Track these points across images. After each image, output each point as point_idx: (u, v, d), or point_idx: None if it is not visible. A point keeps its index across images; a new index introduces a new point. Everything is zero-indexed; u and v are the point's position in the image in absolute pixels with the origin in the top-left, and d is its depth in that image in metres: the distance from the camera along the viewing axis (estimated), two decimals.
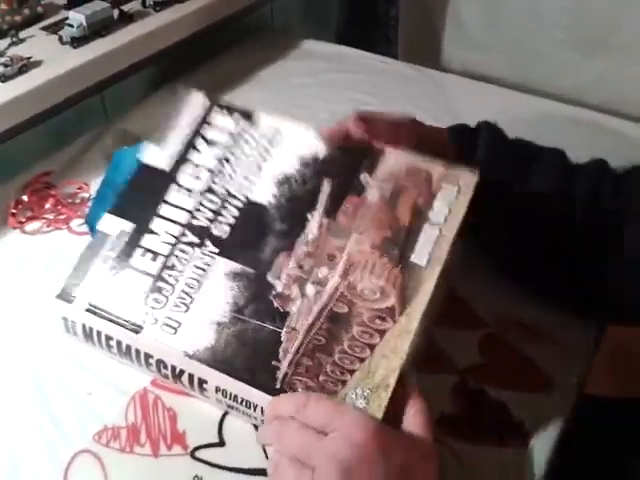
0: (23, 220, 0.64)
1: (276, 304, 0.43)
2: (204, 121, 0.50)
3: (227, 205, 0.47)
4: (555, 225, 0.50)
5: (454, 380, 0.49)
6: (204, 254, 0.45)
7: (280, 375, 0.41)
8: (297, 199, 0.46)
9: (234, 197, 0.47)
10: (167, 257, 0.45)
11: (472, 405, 0.48)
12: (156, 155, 0.50)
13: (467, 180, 0.45)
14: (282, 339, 0.42)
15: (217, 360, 0.42)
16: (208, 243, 0.45)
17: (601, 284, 0.50)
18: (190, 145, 0.49)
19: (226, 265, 0.44)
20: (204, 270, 0.45)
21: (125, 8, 0.79)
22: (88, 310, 0.45)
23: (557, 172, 0.52)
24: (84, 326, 0.45)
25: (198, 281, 0.44)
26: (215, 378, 0.42)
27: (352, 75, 0.91)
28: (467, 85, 0.91)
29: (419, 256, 0.43)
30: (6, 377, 0.51)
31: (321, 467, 0.35)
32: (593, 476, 0.52)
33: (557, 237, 0.50)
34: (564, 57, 1.07)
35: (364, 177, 0.46)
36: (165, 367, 0.44)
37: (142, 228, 0.47)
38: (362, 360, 0.41)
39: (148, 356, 0.44)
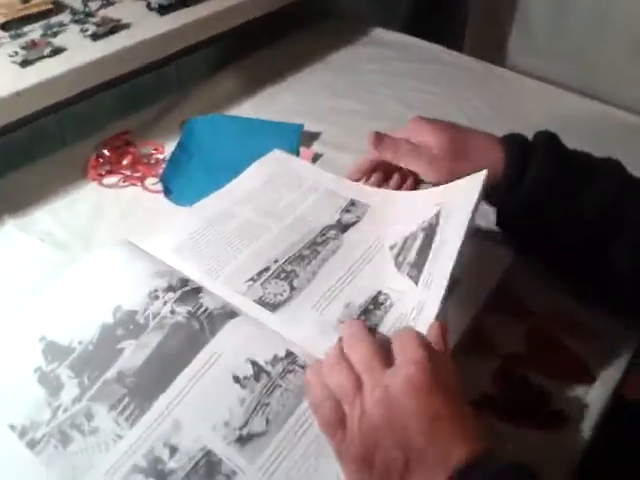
0: (102, 173, 0.68)
1: None
2: None
3: None
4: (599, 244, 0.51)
5: (496, 364, 0.51)
6: None
7: None
8: None
9: None
10: None
11: (513, 389, 0.50)
12: None
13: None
14: None
15: None
16: None
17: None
18: None
19: None
20: None
21: None
22: None
23: (611, 191, 0.52)
24: None
25: None
26: None
27: (419, 65, 0.93)
28: (532, 86, 0.91)
29: None
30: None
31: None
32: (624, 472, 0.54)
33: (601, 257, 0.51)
34: (631, 68, 1.06)
35: None
36: None
37: None
38: None
39: None
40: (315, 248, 0.55)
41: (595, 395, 0.50)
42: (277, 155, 0.67)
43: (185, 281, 0.49)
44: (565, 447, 0.47)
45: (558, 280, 0.56)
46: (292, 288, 0.51)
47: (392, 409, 0.38)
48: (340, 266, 0.54)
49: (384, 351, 0.41)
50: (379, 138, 0.59)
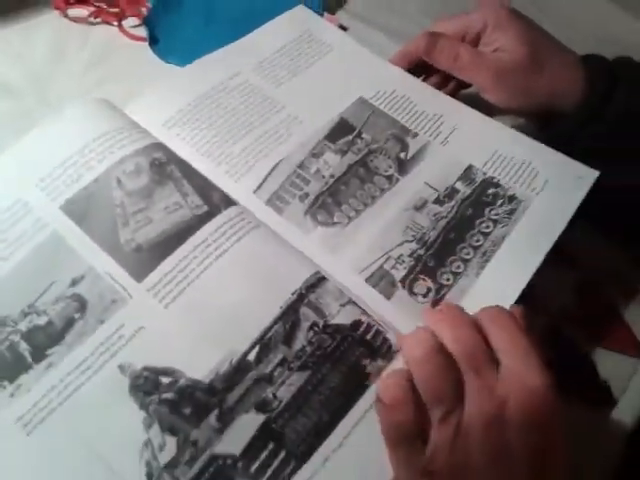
0: (70, 1, 0.52)
1: None
2: None
3: None
4: None
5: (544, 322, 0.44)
6: None
7: None
8: None
9: None
10: None
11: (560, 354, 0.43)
12: None
13: None
14: None
15: None
16: None
17: None
18: None
19: None
20: None
21: None
22: None
23: None
24: None
25: None
26: None
27: None
28: None
29: None
30: None
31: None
32: None
33: None
34: None
35: None
36: None
37: None
38: None
39: None
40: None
41: None
42: (303, 14, 0.52)
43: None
44: (607, 434, 0.40)
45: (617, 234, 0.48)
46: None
47: (503, 436, 0.28)
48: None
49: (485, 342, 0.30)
50: (432, 40, 0.46)
